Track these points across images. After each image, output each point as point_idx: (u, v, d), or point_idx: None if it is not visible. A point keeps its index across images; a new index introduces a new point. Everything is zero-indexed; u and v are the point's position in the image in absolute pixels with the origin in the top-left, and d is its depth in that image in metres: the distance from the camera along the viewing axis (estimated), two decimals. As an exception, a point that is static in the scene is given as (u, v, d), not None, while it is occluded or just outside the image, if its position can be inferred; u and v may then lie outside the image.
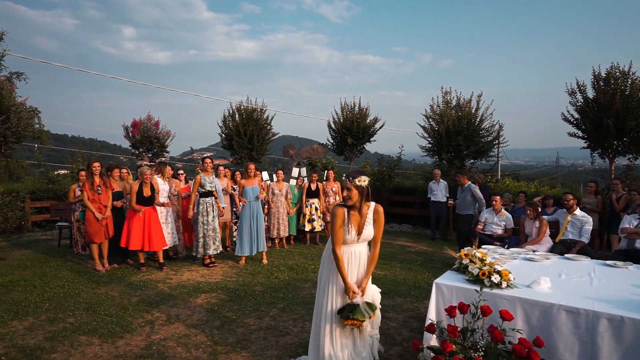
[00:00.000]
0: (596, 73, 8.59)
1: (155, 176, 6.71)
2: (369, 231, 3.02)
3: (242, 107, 12.20)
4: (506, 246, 6.00)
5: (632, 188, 7.26)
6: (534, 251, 4.80)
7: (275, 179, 8.16)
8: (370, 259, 3.11)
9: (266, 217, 7.94)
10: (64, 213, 8.80)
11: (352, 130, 11.39)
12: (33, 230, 10.09)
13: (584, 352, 2.76)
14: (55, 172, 12.53)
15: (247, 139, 11.84)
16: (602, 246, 7.70)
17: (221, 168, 7.81)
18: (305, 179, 8.84)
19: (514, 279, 3.26)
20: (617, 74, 8.36)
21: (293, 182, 8.72)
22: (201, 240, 6.57)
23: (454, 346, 2.61)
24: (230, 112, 12.19)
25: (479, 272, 3.27)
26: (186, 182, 7.65)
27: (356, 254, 3.06)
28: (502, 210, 6.81)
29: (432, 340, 3.07)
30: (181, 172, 7.80)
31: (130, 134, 11.88)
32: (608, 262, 4.14)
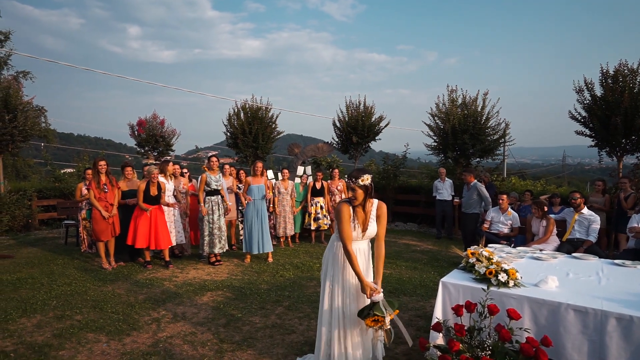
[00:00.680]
0: (604, 71, 8.50)
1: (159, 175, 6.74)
2: (373, 228, 3.02)
3: (247, 106, 12.21)
4: (512, 245, 5.97)
5: (640, 187, 7.20)
6: (541, 250, 4.77)
7: (280, 177, 8.17)
8: (378, 257, 3.10)
9: (271, 216, 7.95)
10: (70, 211, 8.86)
11: (357, 128, 11.36)
12: (40, 229, 10.17)
13: (593, 351, 2.73)
14: (62, 171, 12.61)
15: (252, 138, 11.85)
16: (609, 245, 7.64)
17: (227, 166, 7.82)
18: (310, 178, 8.84)
19: (521, 277, 3.24)
20: (626, 71, 8.27)
21: (297, 180, 8.73)
22: (207, 238, 6.59)
23: (460, 345, 2.60)
24: (235, 110, 12.20)
25: (485, 271, 3.25)
26: (190, 180, 7.68)
27: (360, 251, 3.07)
28: (509, 209, 6.78)
29: (439, 339, 3.06)
30: (185, 170, 7.83)
31: (136, 132, 11.93)
32: (616, 261, 4.10)
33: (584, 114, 8.92)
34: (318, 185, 8.54)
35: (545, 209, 6.07)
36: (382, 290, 2.97)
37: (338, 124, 11.98)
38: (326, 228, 8.61)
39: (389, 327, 2.90)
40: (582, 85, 8.83)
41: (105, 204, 6.22)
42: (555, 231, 5.94)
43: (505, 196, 6.78)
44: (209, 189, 6.59)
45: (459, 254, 7.74)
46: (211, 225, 6.57)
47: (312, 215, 8.45)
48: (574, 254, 4.49)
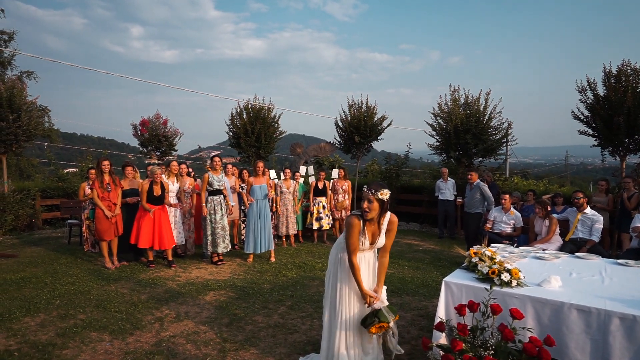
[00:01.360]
0: (607, 70, 8.47)
1: (163, 175, 6.76)
2: (381, 240, 3.05)
3: (249, 106, 12.22)
4: (515, 245, 5.96)
5: (643, 186, 7.16)
6: (543, 250, 4.76)
7: (282, 177, 8.17)
8: (381, 267, 3.14)
9: (273, 216, 7.96)
10: (73, 211, 8.89)
11: (360, 128, 11.35)
12: (43, 228, 10.22)
13: (596, 351, 2.73)
14: (65, 170, 12.66)
15: (254, 138, 11.86)
16: (612, 245, 7.61)
17: (229, 166, 7.83)
18: (312, 177, 8.84)
19: (524, 277, 3.24)
20: (629, 70, 8.24)
21: (301, 180, 8.72)
22: (210, 238, 6.60)
23: (463, 344, 2.60)
24: (238, 110, 12.21)
25: (488, 271, 3.25)
26: (195, 180, 7.69)
27: (366, 259, 3.11)
28: (511, 208, 6.77)
29: (442, 338, 3.06)
30: (190, 170, 7.84)
31: (139, 132, 11.96)
32: (619, 260, 4.09)
33: (586, 113, 8.89)
34: (320, 185, 8.54)
35: (549, 208, 6.06)
36: (382, 297, 3.04)
37: (340, 124, 11.98)
38: (328, 228, 8.61)
39: (393, 330, 2.98)
40: (585, 85, 8.81)
41: (108, 204, 6.24)
42: (558, 231, 5.92)
43: (507, 196, 6.77)
44: (211, 188, 6.60)
45: (461, 253, 7.74)
46: (214, 225, 6.58)
47: (315, 215, 8.46)
48: (577, 254, 4.48)
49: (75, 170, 13.20)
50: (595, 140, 8.89)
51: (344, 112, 11.86)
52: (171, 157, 12.20)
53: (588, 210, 5.90)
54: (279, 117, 12.52)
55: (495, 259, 3.37)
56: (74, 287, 5.41)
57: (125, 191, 6.63)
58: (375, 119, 11.56)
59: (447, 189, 9.60)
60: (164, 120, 12.09)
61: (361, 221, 2.96)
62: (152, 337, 3.94)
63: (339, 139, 12.13)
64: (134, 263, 6.68)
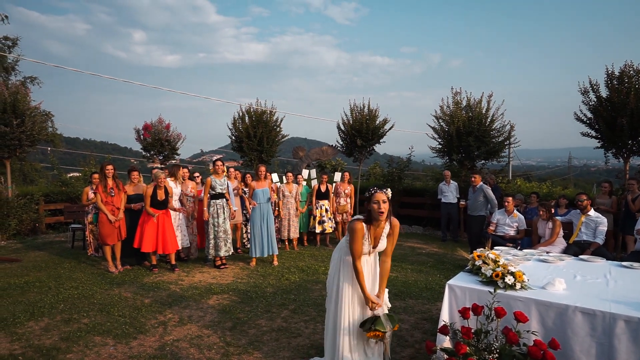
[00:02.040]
0: (610, 72, 8.46)
1: (168, 179, 6.77)
2: (383, 244, 3.07)
3: (251, 110, 12.26)
4: (519, 247, 5.94)
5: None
6: (547, 252, 4.74)
7: (285, 180, 8.18)
8: (383, 272, 3.15)
9: (276, 219, 7.96)
10: (77, 215, 8.92)
11: (362, 131, 11.36)
12: (47, 232, 10.25)
13: (601, 354, 2.71)
14: (68, 175, 12.71)
15: (256, 141, 11.89)
16: (617, 247, 7.58)
17: (232, 170, 7.85)
18: (315, 181, 8.84)
19: (528, 280, 3.23)
20: (631, 72, 8.23)
21: (304, 183, 8.72)
22: (212, 241, 6.61)
23: (467, 348, 2.59)
24: (240, 114, 12.25)
25: (492, 274, 3.23)
26: (201, 184, 7.71)
27: (368, 263, 3.13)
28: (515, 211, 6.75)
29: (446, 342, 3.05)
30: (197, 174, 7.87)
31: (142, 136, 12.00)
32: (624, 263, 4.07)
33: (589, 115, 8.88)
34: (323, 188, 8.54)
35: (552, 210, 6.03)
36: (384, 304, 3.07)
37: (342, 127, 11.99)
38: (331, 231, 8.61)
39: (387, 339, 3.04)
40: (588, 87, 8.80)
41: (111, 208, 6.26)
42: (561, 233, 5.90)
43: (511, 198, 6.76)
44: (213, 192, 6.61)
45: (465, 256, 7.71)
46: (216, 229, 6.59)
47: (317, 219, 8.45)
48: (581, 256, 4.46)
49: (78, 174, 13.25)
50: (599, 142, 8.87)
51: (346, 115, 11.88)
52: (173, 161, 12.24)
53: (592, 212, 5.88)
54: (281, 120, 12.56)
55: (499, 261, 3.36)
56: (78, 291, 5.42)
57: (130, 196, 6.66)
58: (377, 122, 11.57)
59: (449, 192, 9.59)
60: (167, 125, 12.13)
61: (365, 225, 2.98)
62: (155, 341, 3.94)
63: (341, 142, 12.14)
64: (137, 267, 6.69)
